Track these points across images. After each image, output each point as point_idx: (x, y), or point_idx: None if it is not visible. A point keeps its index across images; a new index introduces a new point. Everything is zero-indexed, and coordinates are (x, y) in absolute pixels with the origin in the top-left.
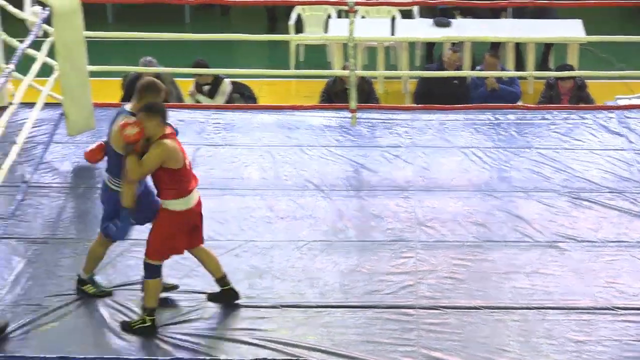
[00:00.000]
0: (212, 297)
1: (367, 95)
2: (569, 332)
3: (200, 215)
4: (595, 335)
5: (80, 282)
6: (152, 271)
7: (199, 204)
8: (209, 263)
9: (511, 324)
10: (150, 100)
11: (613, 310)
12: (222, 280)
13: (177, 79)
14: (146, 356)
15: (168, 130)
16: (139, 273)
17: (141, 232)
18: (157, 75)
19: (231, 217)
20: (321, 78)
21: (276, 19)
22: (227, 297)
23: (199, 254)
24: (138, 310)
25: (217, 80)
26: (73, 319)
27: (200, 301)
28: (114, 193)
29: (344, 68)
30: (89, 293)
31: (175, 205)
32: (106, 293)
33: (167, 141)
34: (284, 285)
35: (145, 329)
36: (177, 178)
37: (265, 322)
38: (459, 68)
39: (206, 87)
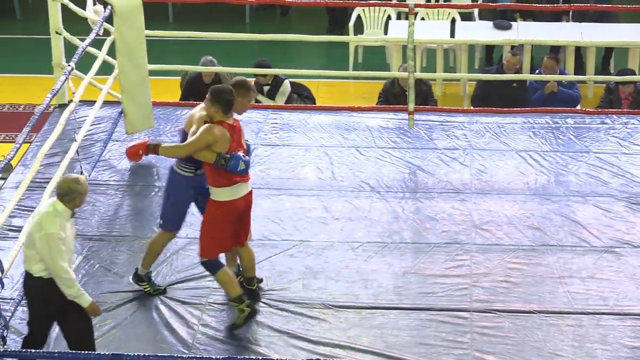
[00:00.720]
0: None
1: (425, 96)
2: (624, 337)
3: (247, 210)
4: None
5: (138, 277)
6: (211, 267)
7: (245, 199)
8: (247, 259)
9: (565, 328)
10: (238, 98)
11: None
12: (250, 280)
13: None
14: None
15: (230, 122)
16: (193, 271)
17: (196, 229)
18: (217, 75)
19: (286, 217)
20: (379, 79)
21: (337, 20)
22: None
23: (239, 250)
24: (194, 309)
25: (276, 81)
26: (131, 316)
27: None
28: (181, 177)
29: (403, 69)
30: (145, 291)
31: (220, 194)
32: (161, 291)
33: (216, 126)
34: (338, 286)
35: (248, 315)
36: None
37: (319, 323)
38: (518, 71)
39: (266, 88)
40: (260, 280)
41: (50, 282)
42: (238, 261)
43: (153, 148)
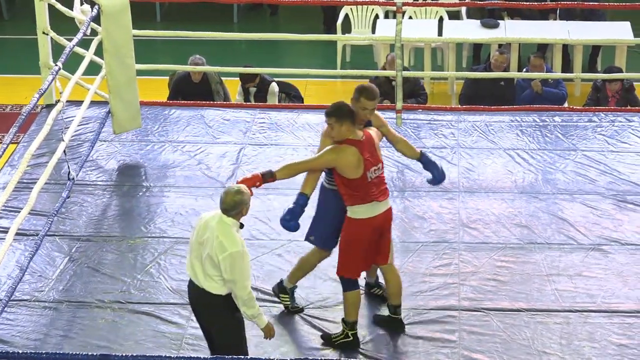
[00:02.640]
0: (378, 320)
1: (412, 87)
2: (612, 335)
3: (385, 229)
4: (638, 339)
5: (281, 289)
6: (346, 284)
7: (384, 216)
8: (392, 284)
9: (553, 326)
10: (364, 104)
11: None
12: (396, 308)
13: (224, 79)
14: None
15: (359, 135)
16: (181, 269)
17: (184, 229)
18: (205, 74)
19: (275, 217)
20: (367, 78)
21: (332, 19)
22: (393, 325)
23: (385, 273)
24: (182, 309)
25: (262, 83)
26: (119, 316)
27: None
28: (329, 192)
29: (390, 59)
30: (283, 304)
31: (356, 212)
32: (299, 310)
33: (343, 147)
34: (327, 285)
35: (347, 343)
36: (353, 186)
37: (308, 322)
38: (506, 70)
39: (252, 90)
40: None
41: (228, 298)
42: (378, 272)
43: (270, 176)
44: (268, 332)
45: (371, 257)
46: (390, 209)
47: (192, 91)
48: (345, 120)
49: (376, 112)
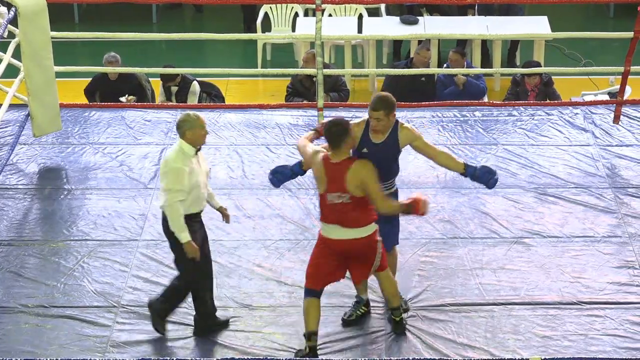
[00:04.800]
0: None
1: (333, 83)
2: (535, 327)
3: (353, 257)
4: (561, 330)
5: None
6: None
7: (346, 246)
8: (384, 291)
9: (478, 320)
10: (385, 112)
11: (579, 305)
12: (392, 311)
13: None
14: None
15: (341, 157)
16: (105, 272)
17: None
18: (132, 74)
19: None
20: (288, 77)
21: (252, 17)
22: (393, 327)
23: (378, 281)
24: (107, 312)
25: (184, 82)
26: (43, 320)
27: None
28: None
29: (310, 55)
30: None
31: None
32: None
33: (318, 154)
34: (252, 284)
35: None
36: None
37: (234, 322)
38: (427, 66)
39: (174, 89)
40: (406, 310)
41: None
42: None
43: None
44: (188, 250)
45: (331, 275)
46: (337, 241)
47: (110, 89)
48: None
49: (408, 125)
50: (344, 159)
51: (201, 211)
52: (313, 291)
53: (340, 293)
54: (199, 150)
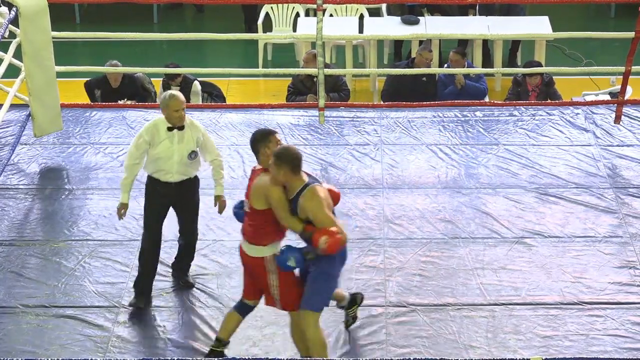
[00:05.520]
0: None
1: (334, 83)
2: (536, 327)
3: (248, 270)
4: (562, 330)
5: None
6: None
7: (241, 255)
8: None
9: (479, 320)
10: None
11: (580, 305)
12: (217, 340)
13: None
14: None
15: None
16: (107, 273)
17: (108, 232)
18: (125, 77)
19: (199, 217)
20: (289, 77)
21: (253, 18)
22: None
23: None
24: (108, 312)
25: (185, 82)
26: (44, 320)
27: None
28: None
29: (311, 55)
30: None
31: None
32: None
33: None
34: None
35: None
36: None
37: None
38: (428, 66)
39: (176, 89)
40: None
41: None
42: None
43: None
44: (118, 211)
45: (252, 288)
46: (243, 253)
47: (111, 93)
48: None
49: (313, 191)
50: (259, 168)
51: (169, 182)
52: (238, 302)
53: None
54: (177, 128)
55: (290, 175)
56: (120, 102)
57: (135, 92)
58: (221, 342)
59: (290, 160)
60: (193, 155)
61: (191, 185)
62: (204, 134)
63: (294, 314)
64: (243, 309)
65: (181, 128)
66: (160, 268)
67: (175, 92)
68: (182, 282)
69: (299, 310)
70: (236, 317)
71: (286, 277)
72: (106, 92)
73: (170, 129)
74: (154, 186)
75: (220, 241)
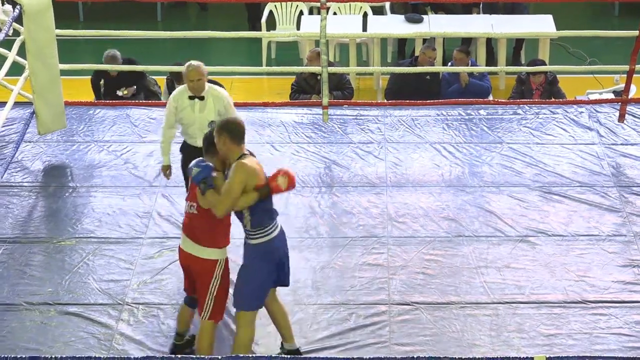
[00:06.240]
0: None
1: (339, 80)
2: (540, 326)
3: (186, 269)
4: (566, 329)
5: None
6: None
7: (180, 253)
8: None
9: (483, 318)
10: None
11: (584, 303)
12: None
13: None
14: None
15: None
16: (110, 270)
17: (113, 229)
18: (134, 61)
19: None
20: (293, 75)
21: (257, 16)
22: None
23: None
24: (112, 309)
25: None
26: (48, 318)
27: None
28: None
29: (315, 54)
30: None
31: None
32: None
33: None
34: None
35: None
36: None
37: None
38: (432, 64)
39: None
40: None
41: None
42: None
43: None
44: (163, 173)
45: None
46: (182, 251)
47: (114, 84)
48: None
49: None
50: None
51: (196, 146)
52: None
53: (342, 289)
54: (197, 97)
55: (230, 144)
56: (118, 92)
57: (137, 78)
58: (182, 335)
59: (229, 129)
60: (212, 124)
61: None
62: (227, 106)
63: (205, 323)
64: (192, 301)
65: (202, 98)
66: (163, 266)
67: (195, 62)
68: None
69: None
70: (188, 309)
71: (224, 284)
72: (109, 81)
73: (191, 98)
74: (186, 147)
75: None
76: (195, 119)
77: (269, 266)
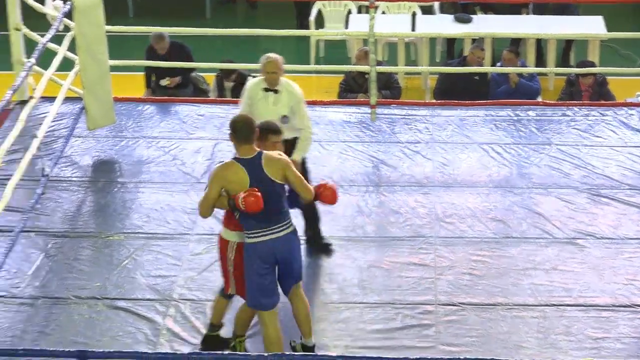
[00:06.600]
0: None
1: (387, 79)
2: (588, 329)
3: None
4: (614, 333)
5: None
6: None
7: None
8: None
9: (530, 320)
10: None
11: (632, 307)
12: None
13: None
14: None
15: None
16: (158, 266)
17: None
18: (172, 46)
19: None
20: (341, 73)
21: (305, 14)
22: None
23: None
24: (159, 305)
25: (241, 78)
26: (96, 312)
27: None
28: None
29: (363, 53)
30: None
31: None
32: None
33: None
34: (303, 281)
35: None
36: None
37: (285, 318)
38: (480, 64)
39: (228, 84)
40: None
41: None
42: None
43: None
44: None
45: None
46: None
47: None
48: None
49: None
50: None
51: None
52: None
53: (389, 288)
54: (272, 90)
55: (234, 141)
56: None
57: (183, 59)
58: (215, 326)
59: (235, 127)
60: (285, 119)
61: (289, 146)
62: (299, 103)
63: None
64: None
65: (276, 91)
66: (210, 262)
67: (273, 54)
68: (320, 247)
69: None
70: (222, 300)
71: (239, 267)
72: (157, 68)
73: (266, 90)
74: None
75: None
76: (268, 112)
77: (262, 267)
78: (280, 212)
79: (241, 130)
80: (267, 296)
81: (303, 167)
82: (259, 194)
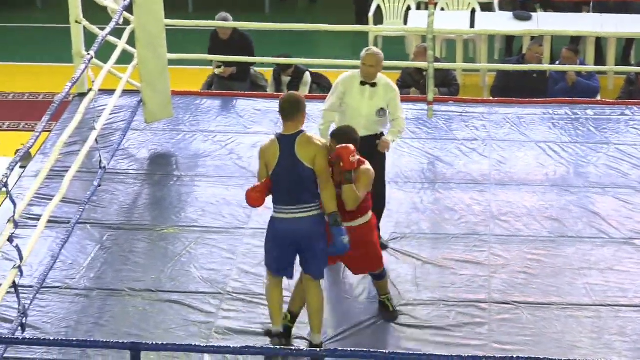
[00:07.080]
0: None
1: (445, 75)
2: None
3: None
4: None
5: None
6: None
7: None
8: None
9: (584, 320)
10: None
11: None
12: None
13: (257, 69)
14: None
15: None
16: (212, 259)
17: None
18: (235, 31)
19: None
20: (399, 70)
21: (364, 10)
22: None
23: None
24: (212, 298)
25: (297, 73)
26: (149, 304)
27: None
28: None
29: (422, 49)
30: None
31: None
32: None
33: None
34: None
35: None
36: None
37: (336, 315)
38: (540, 61)
39: (285, 79)
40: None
41: None
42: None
43: None
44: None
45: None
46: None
47: (222, 49)
48: None
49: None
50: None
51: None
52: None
53: (442, 285)
54: (369, 84)
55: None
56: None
57: (244, 48)
58: (294, 314)
59: (279, 105)
60: (381, 112)
61: (373, 141)
62: (395, 97)
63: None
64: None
65: (373, 85)
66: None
67: (374, 48)
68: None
69: None
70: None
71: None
72: (216, 45)
73: (363, 84)
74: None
75: None
76: (363, 105)
77: (272, 241)
78: (301, 194)
79: (283, 107)
80: (279, 266)
81: (381, 163)
82: (265, 191)
